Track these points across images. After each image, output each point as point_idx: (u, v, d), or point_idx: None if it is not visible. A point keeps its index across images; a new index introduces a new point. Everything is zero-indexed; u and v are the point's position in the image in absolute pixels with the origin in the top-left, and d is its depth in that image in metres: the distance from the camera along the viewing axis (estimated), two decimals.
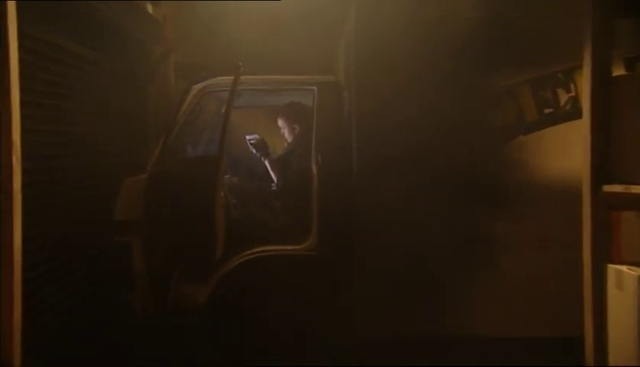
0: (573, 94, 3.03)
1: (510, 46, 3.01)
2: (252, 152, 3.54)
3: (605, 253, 1.86)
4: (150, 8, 4.10)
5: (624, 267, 1.76)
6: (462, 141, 3.04)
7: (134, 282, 3.10)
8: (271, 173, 3.59)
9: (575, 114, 2.92)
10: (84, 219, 3.16)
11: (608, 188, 1.82)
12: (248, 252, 3.15)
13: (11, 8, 1.84)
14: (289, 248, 3.19)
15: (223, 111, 3.24)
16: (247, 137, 3.49)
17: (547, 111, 3.06)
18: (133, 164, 3.53)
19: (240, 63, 3.03)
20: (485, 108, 3.06)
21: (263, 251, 3.15)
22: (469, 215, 3.01)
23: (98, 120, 3.48)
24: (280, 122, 3.66)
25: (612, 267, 1.81)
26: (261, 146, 3.49)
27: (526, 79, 3.06)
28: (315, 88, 3.38)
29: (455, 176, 3.02)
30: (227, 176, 3.52)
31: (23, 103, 1.91)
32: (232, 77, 3.05)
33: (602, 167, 1.85)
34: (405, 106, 3.00)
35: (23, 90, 1.91)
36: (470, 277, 2.99)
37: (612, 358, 1.81)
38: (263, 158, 3.53)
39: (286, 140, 3.73)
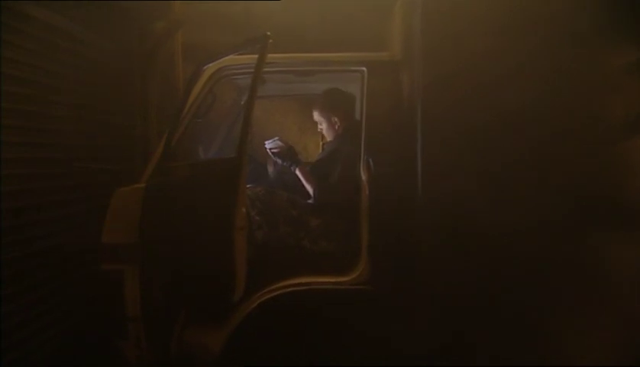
0: None
1: (632, 4, 2.40)
2: (277, 162, 3.13)
3: None
4: None
5: None
6: (568, 137, 2.47)
7: (127, 324, 2.74)
8: (305, 184, 3.11)
9: None
10: (63, 242, 2.99)
11: None
12: (277, 286, 2.73)
13: None
14: (332, 280, 2.75)
15: (244, 101, 2.86)
16: (267, 143, 3.08)
17: None
18: (127, 170, 3.36)
19: (268, 33, 2.43)
20: (597, 92, 2.50)
21: (296, 285, 2.73)
22: (576, 238, 2.44)
23: (83, 114, 3.20)
24: (316, 116, 3.22)
25: None
26: (286, 153, 3.07)
27: None
28: (364, 68, 2.86)
29: (558, 185, 2.46)
30: (250, 186, 3.06)
31: None
32: (256, 55, 2.48)
33: None
34: (490, 91, 2.46)
35: None
36: (578, 322, 2.41)
37: None
38: (292, 168, 3.10)
39: (325, 138, 3.31)
